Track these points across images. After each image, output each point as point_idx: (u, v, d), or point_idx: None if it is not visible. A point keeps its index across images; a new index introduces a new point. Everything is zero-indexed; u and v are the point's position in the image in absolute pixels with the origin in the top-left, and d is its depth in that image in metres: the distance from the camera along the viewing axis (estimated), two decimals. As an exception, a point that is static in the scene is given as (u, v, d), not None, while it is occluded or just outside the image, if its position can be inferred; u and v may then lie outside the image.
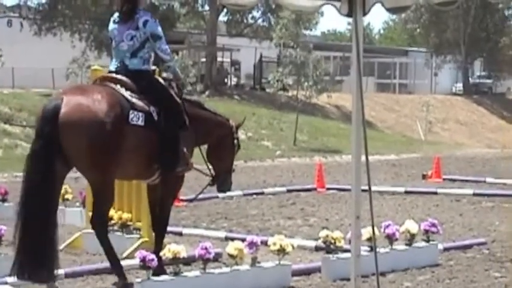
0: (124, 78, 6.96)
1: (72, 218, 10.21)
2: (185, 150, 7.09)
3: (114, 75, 7.04)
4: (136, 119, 6.76)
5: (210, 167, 7.78)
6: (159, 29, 7.11)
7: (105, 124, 6.49)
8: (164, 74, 7.56)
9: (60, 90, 6.99)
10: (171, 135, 6.94)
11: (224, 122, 7.77)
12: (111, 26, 7.20)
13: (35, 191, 6.37)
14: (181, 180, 7.39)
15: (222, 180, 7.84)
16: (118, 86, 6.89)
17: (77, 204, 10.55)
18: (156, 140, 6.85)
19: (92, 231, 7.49)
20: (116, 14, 7.22)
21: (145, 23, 7.04)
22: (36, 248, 6.36)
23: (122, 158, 6.67)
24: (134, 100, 6.82)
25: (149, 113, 6.85)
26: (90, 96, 6.60)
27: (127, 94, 6.84)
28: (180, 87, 7.33)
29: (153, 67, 7.37)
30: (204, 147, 7.82)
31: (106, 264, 7.68)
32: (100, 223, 6.85)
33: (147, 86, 7.03)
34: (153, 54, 7.18)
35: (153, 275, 6.63)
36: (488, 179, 16.23)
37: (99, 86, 6.93)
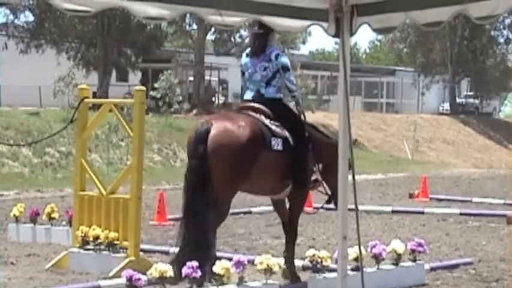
0: (262, 106, 7.76)
1: (59, 237, 10.13)
2: (313, 168, 7.82)
3: (252, 103, 7.81)
4: (277, 144, 7.58)
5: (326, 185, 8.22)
6: (288, 61, 7.98)
7: (246, 148, 7.32)
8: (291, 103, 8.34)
9: (208, 116, 8.02)
10: (303, 157, 7.70)
11: (334, 144, 8.19)
12: (244, 59, 8.04)
13: (195, 199, 7.29)
14: (306, 195, 8.32)
15: (337, 196, 8.14)
16: (258, 114, 7.68)
17: (63, 223, 10.47)
18: (290, 162, 7.65)
19: (78, 250, 7.54)
20: (248, 49, 8.08)
21: (277, 56, 7.84)
22: (194, 242, 7.21)
23: (259, 178, 7.52)
24: (274, 127, 7.63)
25: (286, 138, 7.67)
26: (236, 123, 7.43)
27: (267, 122, 7.64)
28: (302, 113, 8.04)
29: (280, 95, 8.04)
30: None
31: (92, 283, 7.69)
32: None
33: (281, 112, 7.83)
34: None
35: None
36: (475, 199, 16.24)
37: (242, 114, 7.71)
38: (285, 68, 7.86)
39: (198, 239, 7.23)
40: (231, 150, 7.27)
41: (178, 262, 7.03)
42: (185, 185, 7.45)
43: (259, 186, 7.72)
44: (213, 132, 7.30)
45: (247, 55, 8.02)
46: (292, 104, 8.26)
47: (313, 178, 7.85)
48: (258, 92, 7.85)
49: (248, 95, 7.94)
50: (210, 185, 7.29)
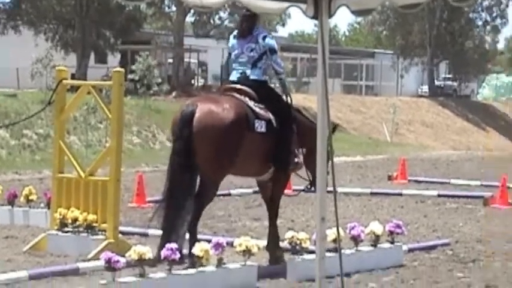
0: (247, 88, 7.84)
1: (37, 219, 10.10)
2: (296, 151, 7.91)
3: (238, 86, 7.89)
4: (260, 126, 7.69)
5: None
6: (275, 44, 8.07)
7: (230, 130, 7.42)
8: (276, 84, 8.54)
9: (193, 98, 8.14)
10: (286, 139, 7.81)
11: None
12: (232, 41, 8.13)
13: (178, 181, 7.42)
14: (288, 177, 8.37)
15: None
16: (242, 96, 7.76)
17: (42, 205, 10.48)
18: (273, 144, 7.75)
19: (57, 232, 7.55)
20: (236, 31, 8.18)
21: (264, 38, 7.96)
22: (172, 223, 7.42)
23: (244, 160, 7.59)
24: (258, 110, 7.72)
25: (269, 120, 7.79)
26: (220, 105, 7.53)
27: (251, 104, 7.73)
28: (288, 96, 8.12)
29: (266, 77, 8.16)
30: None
31: (70, 265, 7.73)
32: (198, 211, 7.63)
33: (266, 94, 7.94)
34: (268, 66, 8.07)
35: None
36: (453, 181, 16.47)
37: (227, 96, 7.79)
38: (272, 50, 7.93)
39: (178, 221, 7.34)
40: (216, 132, 7.39)
41: (160, 244, 7.12)
42: (169, 166, 7.54)
43: (243, 168, 7.80)
44: (198, 114, 7.41)
45: (234, 37, 8.10)
46: (278, 86, 8.36)
47: (295, 160, 7.94)
48: (244, 73, 7.93)
49: (234, 76, 8.00)
50: (194, 167, 7.38)
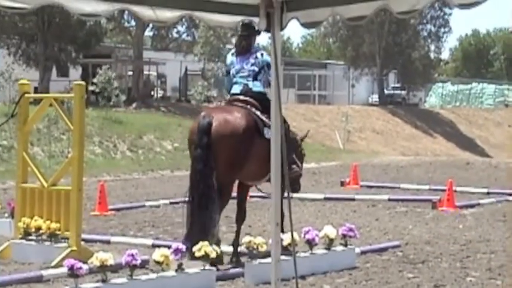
0: (250, 99, 8.45)
1: (1, 228, 10.11)
2: (294, 158, 8.46)
3: (242, 97, 8.50)
4: (268, 133, 8.00)
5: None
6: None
7: (244, 137, 8.08)
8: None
9: (206, 110, 8.56)
10: (288, 147, 8.00)
11: (295, 138, 9.42)
12: (230, 58, 8.78)
13: (198, 185, 7.95)
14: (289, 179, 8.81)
15: (293, 182, 8.93)
16: (248, 106, 8.38)
17: (6, 215, 10.47)
18: None
19: (21, 241, 7.68)
20: (234, 49, 8.83)
21: (262, 54, 8.65)
22: (201, 223, 7.93)
23: (252, 165, 8.16)
24: (264, 118, 8.27)
25: None
26: (233, 114, 8.17)
27: (258, 113, 8.34)
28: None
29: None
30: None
31: (34, 273, 7.79)
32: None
33: (268, 105, 8.30)
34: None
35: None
36: (402, 185, 16.65)
37: (234, 106, 8.39)
38: (269, 66, 8.41)
39: (205, 220, 7.88)
40: (233, 139, 8.01)
41: (189, 241, 7.56)
42: (191, 172, 8.06)
43: (248, 172, 8.28)
44: (215, 123, 8.03)
45: (232, 54, 8.71)
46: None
47: (293, 167, 8.51)
48: (246, 85, 8.51)
49: (236, 89, 8.57)
50: (214, 171, 7.94)
